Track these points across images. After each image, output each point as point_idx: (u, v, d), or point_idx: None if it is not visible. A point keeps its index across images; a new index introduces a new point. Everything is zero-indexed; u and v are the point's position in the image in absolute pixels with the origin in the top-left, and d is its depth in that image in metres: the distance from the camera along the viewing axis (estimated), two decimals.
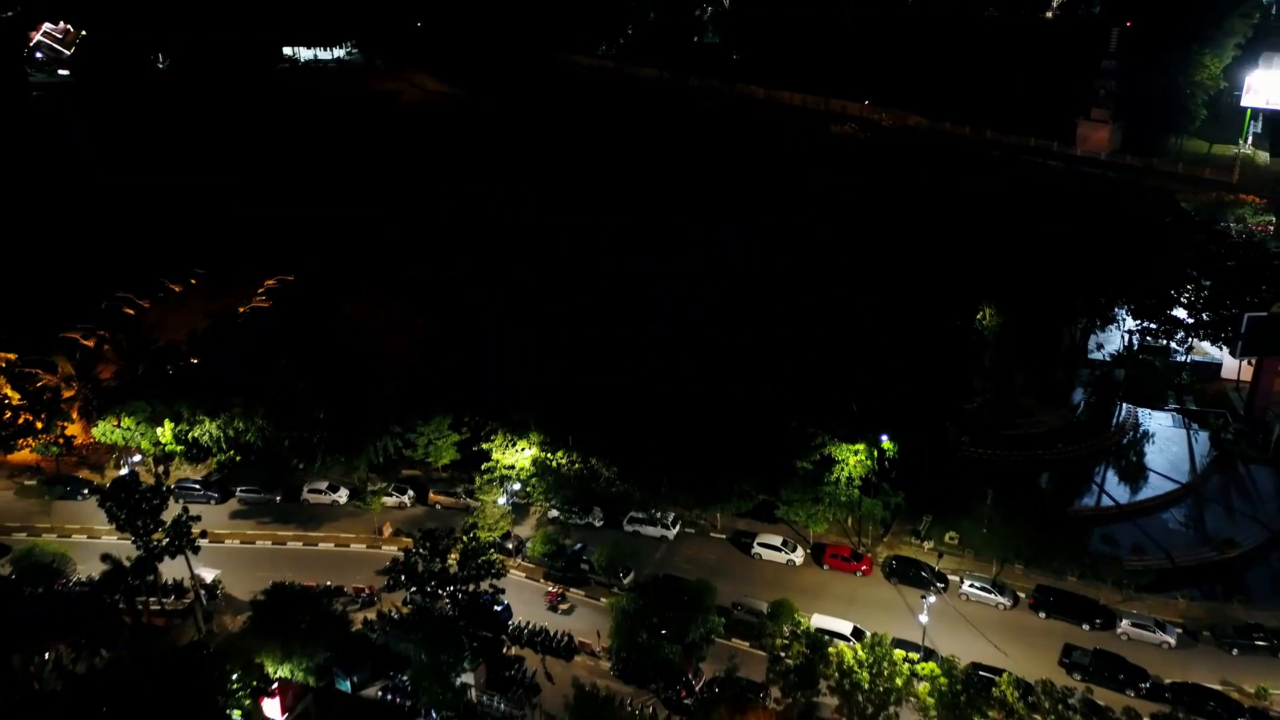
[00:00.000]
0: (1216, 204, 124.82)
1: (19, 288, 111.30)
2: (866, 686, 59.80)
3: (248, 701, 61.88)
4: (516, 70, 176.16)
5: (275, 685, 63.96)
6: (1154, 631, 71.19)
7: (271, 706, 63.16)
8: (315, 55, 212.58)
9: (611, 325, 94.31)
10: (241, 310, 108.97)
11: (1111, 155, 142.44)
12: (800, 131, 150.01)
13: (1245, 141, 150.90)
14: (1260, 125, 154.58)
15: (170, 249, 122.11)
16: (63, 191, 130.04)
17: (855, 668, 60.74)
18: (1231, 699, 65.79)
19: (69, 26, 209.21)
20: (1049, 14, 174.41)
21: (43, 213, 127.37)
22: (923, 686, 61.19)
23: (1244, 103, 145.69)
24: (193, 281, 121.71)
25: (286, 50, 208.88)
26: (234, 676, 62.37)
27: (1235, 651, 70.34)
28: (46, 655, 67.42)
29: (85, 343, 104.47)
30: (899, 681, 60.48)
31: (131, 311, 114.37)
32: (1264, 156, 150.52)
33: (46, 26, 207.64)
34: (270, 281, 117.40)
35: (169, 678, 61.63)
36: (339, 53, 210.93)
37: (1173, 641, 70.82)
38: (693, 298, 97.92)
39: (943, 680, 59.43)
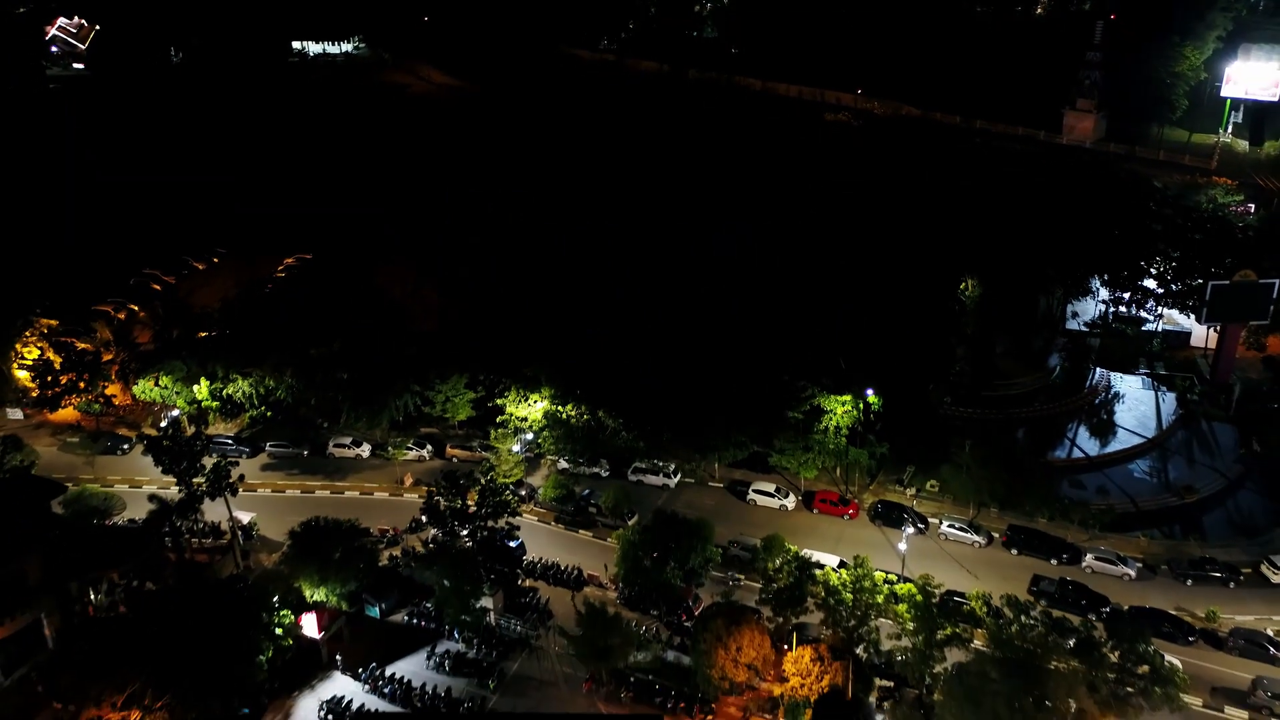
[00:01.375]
0: (1190, 185, 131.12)
1: (52, 264, 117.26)
2: (850, 603, 66.06)
3: (289, 619, 68.04)
4: (520, 64, 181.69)
5: (313, 607, 70.11)
6: (1116, 565, 77.54)
7: (309, 625, 69.26)
8: (324, 49, 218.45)
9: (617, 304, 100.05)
10: (269, 285, 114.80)
11: (1096, 143, 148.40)
12: (795, 120, 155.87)
13: (1225, 130, 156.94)
14: (1241, 115, 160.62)
15: (190, 232, 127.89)
16: (71, 187, 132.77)
17: (840, 588, 67.02)
18: (1184, 621, 72.19)
19: (83, 21, 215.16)
20: (1039, 10, 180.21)
21: (67, 196, 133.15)
22: (901, 606, 67.42)
23: (1224, 93, 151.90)
24: (215, 260, 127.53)
25: (296, 44, 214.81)
26: (275, 598, 68.72)
27: (1189, 582, 76.74)
28: (101, 583, 73.67)
29: (118, 315, 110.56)
30: (879, 599, 66.76)
31: (158, 287, 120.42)
32: (1243, 145, 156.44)
33: (61, 21, 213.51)
34: (289, 260, 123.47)
35: (215, 599, 68.03)
36: (347, 47, 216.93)
37: (1133, 574, 77.20)
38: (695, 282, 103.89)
39: (918, 596, 65.66)
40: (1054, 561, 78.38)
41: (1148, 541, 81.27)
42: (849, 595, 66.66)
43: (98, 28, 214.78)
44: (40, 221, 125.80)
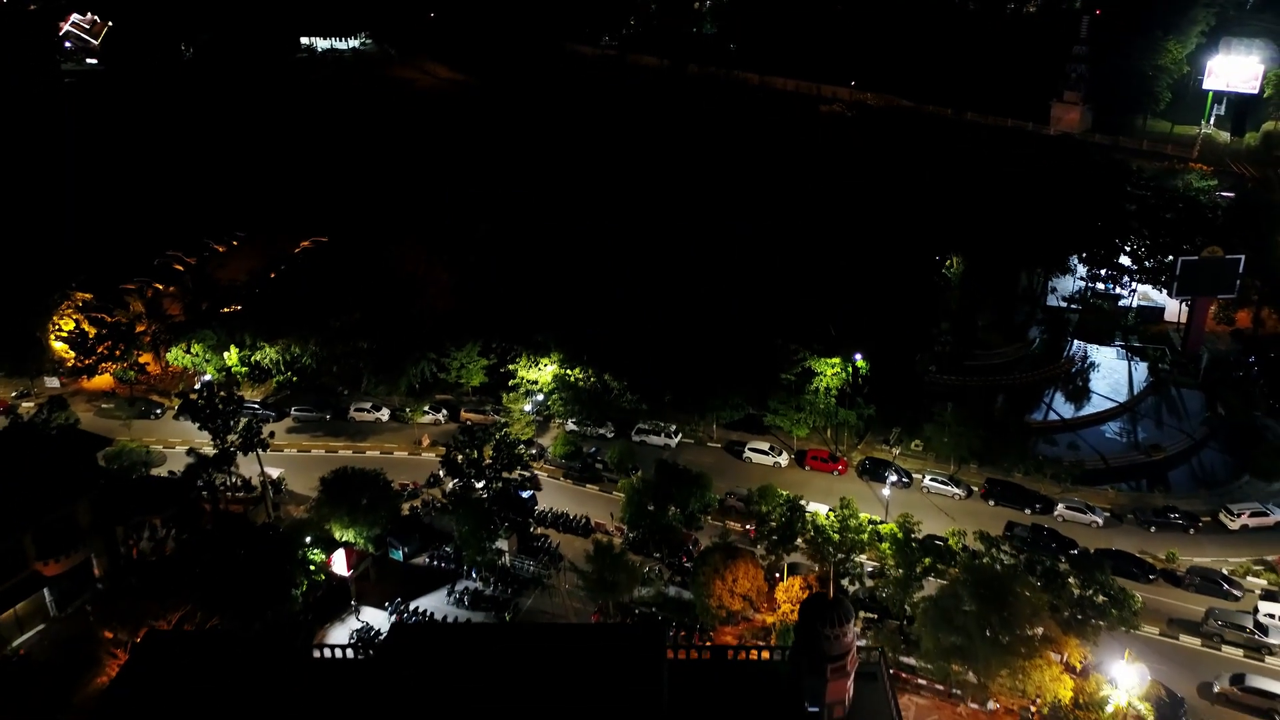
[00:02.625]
0: (1168, 171, 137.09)
1: (80, 245, 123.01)
2: (836, 541, 71.98)
3: (320, 557, 73.95)
4: (524, 59, 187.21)
5: (342, 545, 76.00)
6: (1085, 513, 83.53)
7: (339, 563, 75.04)
8: (332, 45, 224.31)
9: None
10: (288, 263, 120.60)
11: (1082, 134, 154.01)
12: (792, 112, 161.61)
13: (1208, 122, 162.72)
14: (1224, 108, 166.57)
15: (209, 216, 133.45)
16: (71, 187, 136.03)
17: (827, 528, 72.99)
18: (1146, 561, 78.17)
19: (95, 17, 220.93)
20: (1030, 9, 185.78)
21: (89, 182, 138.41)
22: (884, 544, 73.39)
23: (1205, 86, 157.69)
24: (234, 243, 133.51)
25: (304, 40, 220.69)
26: (307, 538, 74.69)
27: (1153, 529, 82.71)
28: (144, 528, 79.59)
29: (147, 291, 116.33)
30: (864, 537, 72.73)
31: (180, 268, 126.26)
32: (1224, 136, 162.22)
33: (75, 17, 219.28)
34: (305, 243, 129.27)
35: (252, 539, 73.94)
36: (354, 43, 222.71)
37: (1100, 521, 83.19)
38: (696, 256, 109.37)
39: (899, 534, 71.62)
40: (1028, 511, 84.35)
41: (1116, 494, 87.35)
42: (835, 535, 72.61)
43: (110, 24, 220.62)
44: (63, 208, 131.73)
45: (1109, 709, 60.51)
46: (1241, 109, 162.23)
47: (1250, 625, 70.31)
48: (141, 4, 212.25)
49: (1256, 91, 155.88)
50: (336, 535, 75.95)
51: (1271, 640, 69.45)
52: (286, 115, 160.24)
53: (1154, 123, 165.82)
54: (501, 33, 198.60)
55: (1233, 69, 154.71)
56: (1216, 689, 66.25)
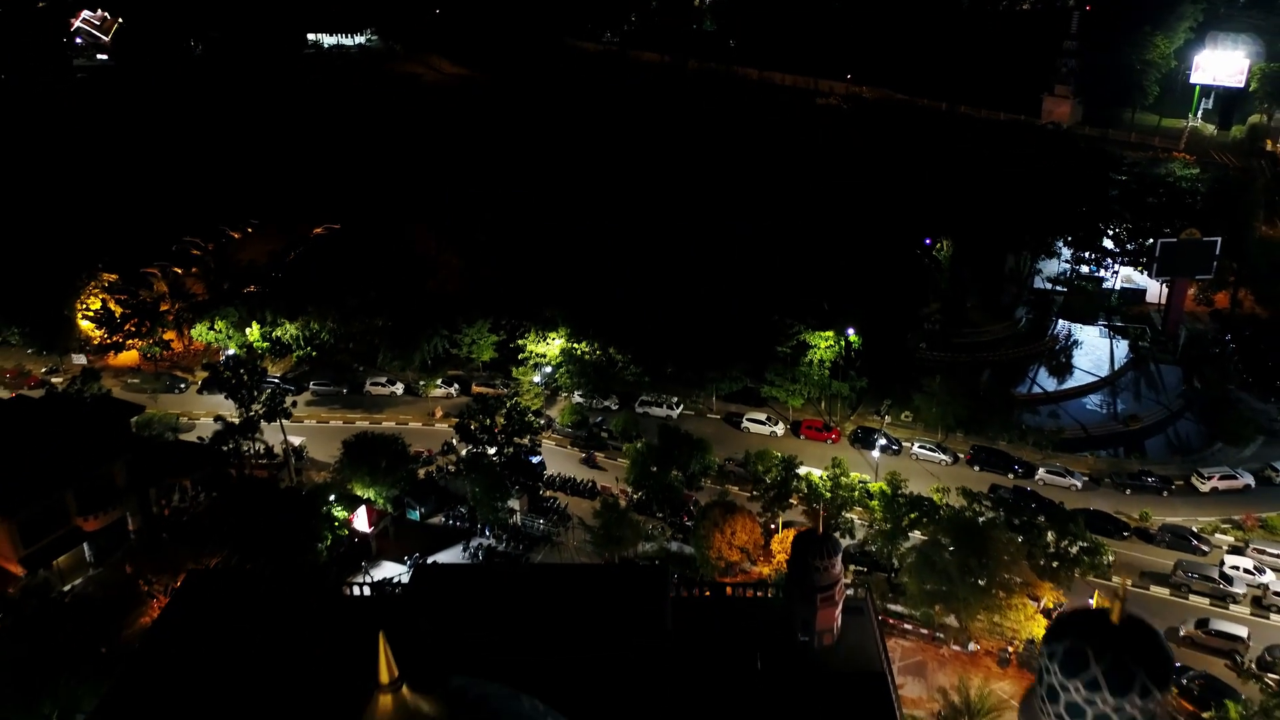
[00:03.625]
0: (1152, 160, 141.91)
1: (98, 231, 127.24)
2: (828, 497, 76.72)
3: (344, 513, 78.66)
4: (527, 55, 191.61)
5: (364, 505, 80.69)
6: (1065, 477, 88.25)
7: (360, 519, 79.73)
8: (339, 41, 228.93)
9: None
10: (302, 247, 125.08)
11: (1073, 127, 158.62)
12: (790, 105, 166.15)
13: (1195, 115, 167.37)
14: (1211, 102, 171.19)
15: (224, 204, 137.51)
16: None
17: (820, 486, 77.74)
18: (1121, 520, 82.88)
19: (106, 14, 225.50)
20: (1025, 6, 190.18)
21: (108, 172, 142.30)
22: (874, 502, 78.16)
23: (1192, 80, 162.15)
24: (249, 230, 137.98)
25: (311, 36, 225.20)
26: (331, 496, 79.42)
27: (1128, 491, 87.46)
28: (174, 489, 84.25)
29: (173, 270, 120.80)
30: (854, 494, 77.52)
31: (198, 253, 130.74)
32: (1211, 129, 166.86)
33: (85, 14, 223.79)
34: (319, 230, 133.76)
35: (279, 497, 78.66)
36: (360, 39, 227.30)
37: (1079, 485, 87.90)
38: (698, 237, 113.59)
39: (888, 490, 76.39)
40: (1010, 475, 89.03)
41: (1095, 460, 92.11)
42: (827, 493, 77.40)
43: (120, 21, 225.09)
44: (82, 195, 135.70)
45: None
46: (1229, 103, 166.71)
47: (1216, 576, 75.05)
48: (151, 1, 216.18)
49: (1242, 85, 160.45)
50: (358, 492, 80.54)
51: (1235, 590, 74.14)
52: (296, 108, 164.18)
53: (1142, 116, 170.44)
54: (505, 29, 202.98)
55: (1219, 64, 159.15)
56: (1183, 632, 70.88)
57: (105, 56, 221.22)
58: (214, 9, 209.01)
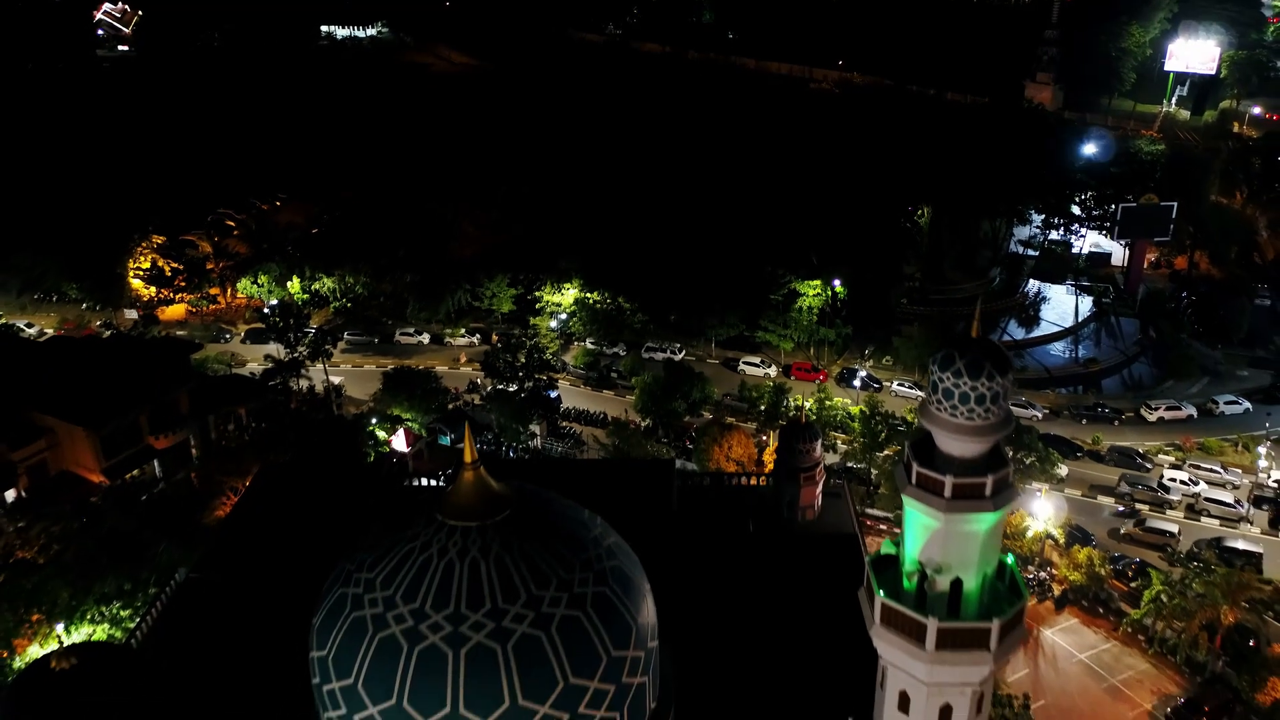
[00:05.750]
0: (1121, 137, 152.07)
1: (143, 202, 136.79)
2: (814, 418, 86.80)
3: (385, 434, 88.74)
4: (533, 46, 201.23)
5: (402, 429, 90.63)
6: (1028, 409, 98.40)
7: (399, 441, 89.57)
8: (351, 33, 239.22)
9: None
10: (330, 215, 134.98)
11: (1053, 111, 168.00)
12: (785, 91, 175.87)
13: (1170, 101, 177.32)
14: (1186, 89, 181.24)
15: (253, 179, 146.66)
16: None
17: (808, 409, 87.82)
18: (1076, 443, 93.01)
19: (126, 6, 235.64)
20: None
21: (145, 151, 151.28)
22: (855, 423, 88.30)
23: (1167, 67, 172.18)
24: (277, 203, 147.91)
25: (324, 29, 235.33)
26: (373, 419, 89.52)
27: (1084, 421, 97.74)
28: (230, 418, 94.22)
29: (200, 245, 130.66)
30: (838, 416, 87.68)
31: (231, 224, 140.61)
32: (1185, 114, 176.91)
33: (106, 6, 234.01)
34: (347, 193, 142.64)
35: (327, 423, 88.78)
36: (371, 31, 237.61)
37: (1040, 415, 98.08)
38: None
39: (866, 410, 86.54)
40: None
41: (1055, 396, 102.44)
42: (813, 415, 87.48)
43: (140, 13, 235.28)
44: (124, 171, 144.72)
45: (1029, 534, 75.30)
46: (1202, 90, 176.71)
47: (1155, 485, 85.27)
48: None
49: (1214, 72, 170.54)
50: (397, 413, 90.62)
51: (1171, 497, 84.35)
52: (315, 95, 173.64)
53: (1119, 102, 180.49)
54: (511, 20, 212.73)
55: (1192, 52, 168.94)
56: (1123, 531, 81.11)
57: (126, 48, 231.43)
58: (231, 2, 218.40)
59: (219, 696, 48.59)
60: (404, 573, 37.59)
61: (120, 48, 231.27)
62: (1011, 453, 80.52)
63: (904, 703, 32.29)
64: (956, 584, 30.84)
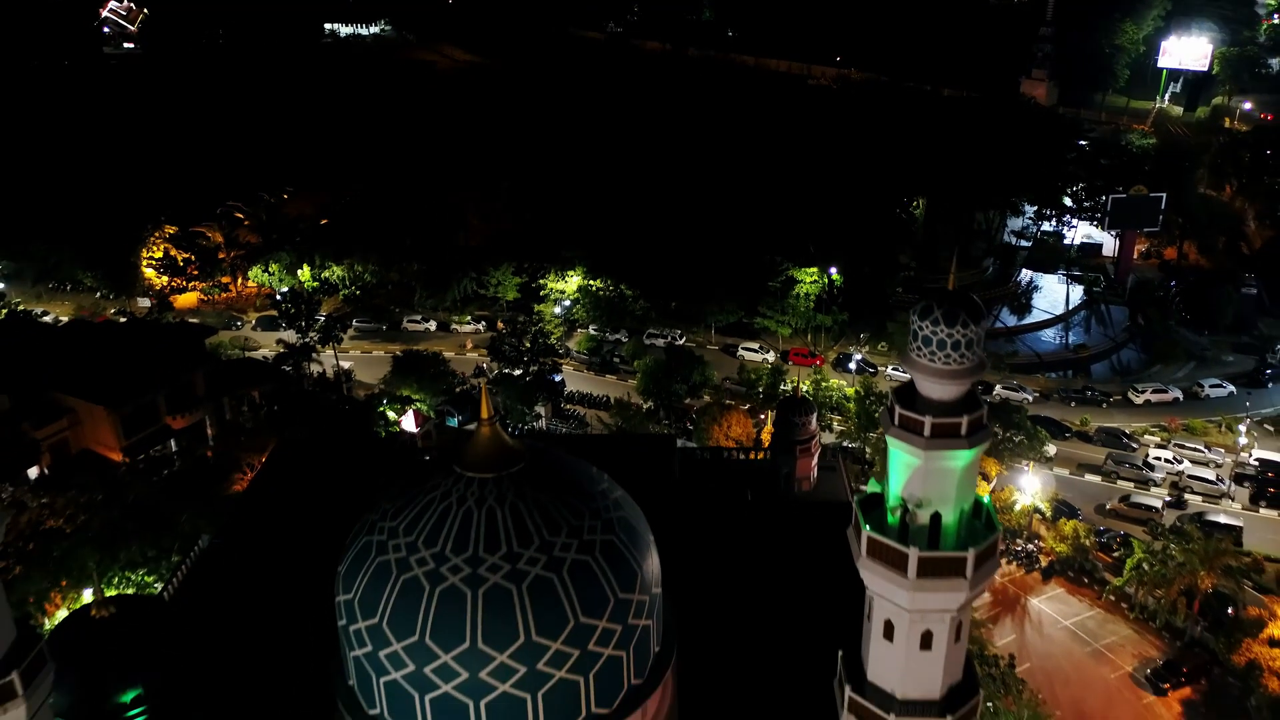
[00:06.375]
0: (1113, 130, 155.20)
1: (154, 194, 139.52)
2: (811, 398, 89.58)
3: (395, 414, 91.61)
4: (536, 43, 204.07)
5: (411, 410, 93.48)
6: (1019, 391, 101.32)
7: (408, 422, 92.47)
8: (355, 31, 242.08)
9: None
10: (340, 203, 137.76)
11: (1049, 108, 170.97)
12: (784, 88, 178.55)
13: (1163, 97, 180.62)
14: (1180, 85, 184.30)
15: (261, 173, 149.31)
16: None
17: (805, 390, 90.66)
18: (1065, 424, 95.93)
19: (132, 4, 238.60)
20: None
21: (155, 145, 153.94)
22: (850, 404, 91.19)
23: (1160, 64, 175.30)
24: (284, 196, 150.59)
25: (328, 27, 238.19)
26: (384, 400, 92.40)
27: (1073, 403, 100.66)
28: (244, 400, 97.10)
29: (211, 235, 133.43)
30: (834, 397, 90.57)
31: (240, 215, 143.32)
32: (1178, 111, 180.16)
33: (112, 4, 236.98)
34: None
35: (339, 402, 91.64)
36: (374, 29, 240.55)
37: (1031, 398, 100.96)
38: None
39: (861, 392, 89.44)
40: None
41: (1046, 380, 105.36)
42: (810, 396, 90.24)
43: (146, 11, 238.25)
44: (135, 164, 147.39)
45: (1017, 508, 78.20)
46: (1195, 86, 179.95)
47: (1140, 463, 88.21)
48: None
49: (1206, 69, 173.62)
50: (407, 394, 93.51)
51: (1155, 475, 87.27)
52: (321, 92, 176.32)
53: (1114, 98, 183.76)
54: (513, 19, 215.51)
55: (1185, 49, 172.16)
56: (1109, 506, 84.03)
57: (132, 46, 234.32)
58: (233, 1, 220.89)
59: (244, 646, 51.37)
60: (425, 520, 40.59)
61: (126, 45, 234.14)
62: (1001, 432, 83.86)
63: (889, 631, 35.09)
64: (936, 519, 33.67)
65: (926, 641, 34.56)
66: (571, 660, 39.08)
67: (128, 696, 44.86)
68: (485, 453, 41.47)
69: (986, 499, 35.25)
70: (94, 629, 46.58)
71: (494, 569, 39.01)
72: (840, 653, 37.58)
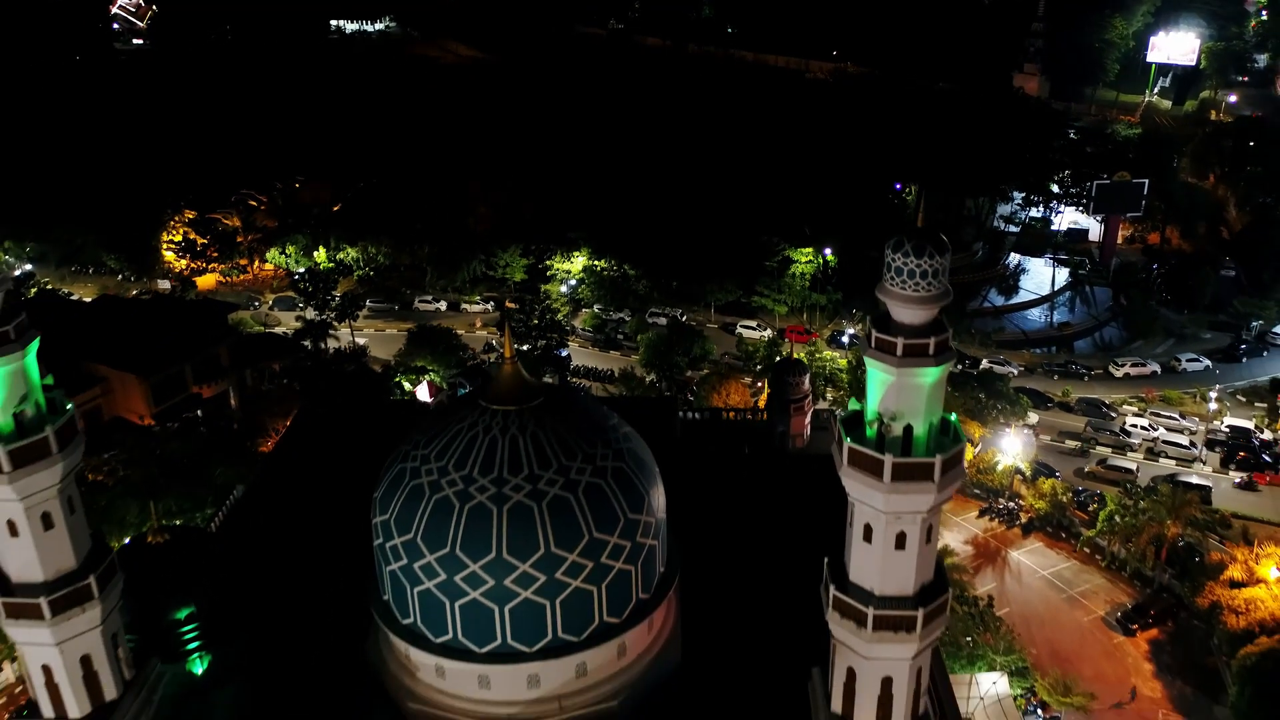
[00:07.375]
0: (1101, 121, 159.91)
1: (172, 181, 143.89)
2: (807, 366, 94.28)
3: (408, 384, 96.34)
4: (539, 39, 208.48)
5: (426, 381, 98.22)
6: (1004, 365, 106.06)
7: (423, 391, 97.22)
8: (360, 27, 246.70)
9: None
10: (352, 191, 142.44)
11: (1038, 100, 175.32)
12: (782, 82, 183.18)
13: (1152, 91, 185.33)
14: (1169, 80, 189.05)
15: (273, 163, 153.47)
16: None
17: (801, 359, 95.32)
18: (1048, 395, 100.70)
19: (141, 1, 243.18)
20: None
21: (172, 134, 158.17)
22: (844, 375, 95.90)
23: (1149, 59, 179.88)
24: (296, 185, 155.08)
25: (333, 23, 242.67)
26: (400, 370, 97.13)
27: (1056, 376, 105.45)
28: (265, 372, 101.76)
29: (228, 221, 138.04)
30: (828, 369, 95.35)
31: (254, 203, 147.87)
32: (1167, 104, 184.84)
33: (121, 1, 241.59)
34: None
35: (353, 374, 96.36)
36: (379, 25, 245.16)
37: (1016, 372, 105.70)
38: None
39: (854, 362, 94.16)
40: (959, 366, 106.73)
41: (1030, 355, 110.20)
42: (806, 361, 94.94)
43: (155, 8, 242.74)
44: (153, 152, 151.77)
45: (999, 468, 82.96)
46: (1183, 80, 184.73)
47: (1118, 429, 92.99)
48: None
49: (1194, 64, 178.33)
50: (421, 365, 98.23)
51: (1132, 441, 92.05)
52: (329, 86, 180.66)
53: (1104, 92, 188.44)
54: (516, 15, 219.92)
55: (1173, 44, 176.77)
56: (1087, 469, 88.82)
57: (141, 41, 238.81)
58: None
59: (283, 574, 56.06)
60: (455, 447, 45.58)
61: (135, 41, 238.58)
62: (984, 397, 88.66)
63: (868, 534, 39.75)
64: (908, 431, 38.37)
65: (901, 542, 39.23)
66: (586, 571, 44.05)
67: (182, 613, 49.62)
68: (508, 388, 46.27)
69: (954, 417, 39.98)
70: (150, 553, 51.42)
71: (517, 489, 43.98)
72: (826, 559, 42.24)
